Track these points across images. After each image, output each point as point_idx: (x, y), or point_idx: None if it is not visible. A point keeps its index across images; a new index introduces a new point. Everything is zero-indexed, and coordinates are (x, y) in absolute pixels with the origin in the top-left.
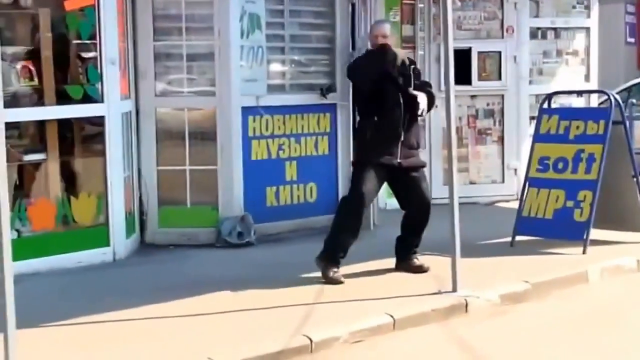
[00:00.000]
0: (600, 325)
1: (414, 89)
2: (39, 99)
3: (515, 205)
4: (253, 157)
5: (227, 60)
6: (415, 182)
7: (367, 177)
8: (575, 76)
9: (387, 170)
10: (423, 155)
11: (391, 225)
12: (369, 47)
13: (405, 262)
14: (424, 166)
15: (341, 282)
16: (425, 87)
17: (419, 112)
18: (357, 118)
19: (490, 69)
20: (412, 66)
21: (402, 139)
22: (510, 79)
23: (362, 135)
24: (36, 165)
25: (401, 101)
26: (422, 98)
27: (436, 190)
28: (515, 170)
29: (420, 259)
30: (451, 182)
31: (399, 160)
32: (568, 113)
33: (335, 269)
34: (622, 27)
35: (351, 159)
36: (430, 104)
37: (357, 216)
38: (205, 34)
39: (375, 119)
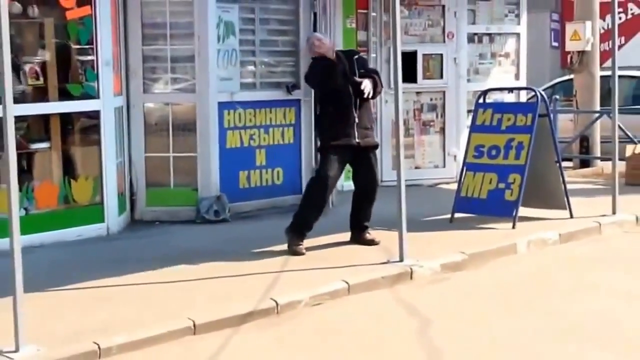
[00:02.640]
0: (528, 288)
1: (360, 77)
2: (43, 96)
3: (454, 187)
4: (228, 146)
5: (205, 62)
6: (370, 161)
7: (331, 160)
8: (507, 75)
9: (348, 151)
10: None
11: (348, 205)
12: (311, 55)
13: (358, 236)
14: (376, 146)
15: (303, 254)
16: (370, 73)
17: (365, 95)
18: (318, 110)
19: (433, 69)
20: (355, 57)
21: (356, 121)
22: (450, 78)
23: (323, 124)
24: (41, 152)
25: (350, 90)
26: (365, 83)
27: (386, 174)
28: (455, 156)
29: (372, 234)
30: (398, 166)
31: (357, 140)
32: (500, 107)
33: (300, 242)
34: (547, 33)
35: (314, 147)
36: (375, 86)
37: (321, 196)
38: (187, 39)
39: (331, 108)
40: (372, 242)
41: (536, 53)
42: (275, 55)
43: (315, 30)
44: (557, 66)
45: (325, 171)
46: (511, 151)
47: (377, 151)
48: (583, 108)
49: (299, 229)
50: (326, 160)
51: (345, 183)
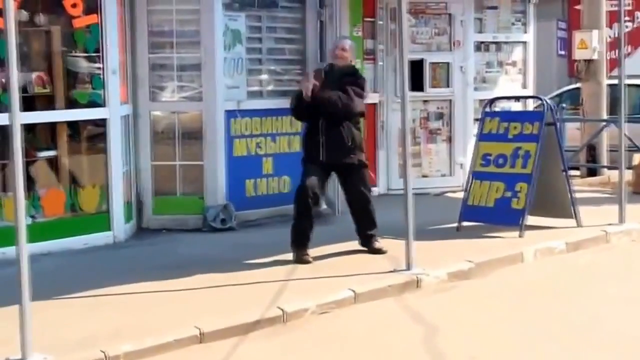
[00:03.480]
0: (534, 297)
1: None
2: (50, 104)
3: (461, 195)
4: (234, 154)
5: (212, 70)
6: (351, 179)
7: (308, 171)
8: (514, 84)
9: (322, 166)
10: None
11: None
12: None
13: (365, 243)
14: (354, 164)
15: (309, 262)
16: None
17: (304, 94)
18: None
19: (440, 78)
20: (351, 77)
21: (321, 140)
22: (457, 86)
23: (304, 139)
24: (48, 160)
25: (315, 111)
26: (304, 84)
27: (393, 183)
28: (462, 165)
29: (379, 242)
30: (405, 175)
31: (322, 159)
32: (507, 116)
33: (304, 252)
34: (554, 41)
35: None
36: (326, 100)
37: (303, 204)
38: (194, 48)
39: (310, 122)
40: (379, 251)
41: (543, 61)
42: (282, 63)
43: (322, 39)
44: (564, 75)
45: (303, 181)
46: (518, 160)
47: (384, 160)
48: (590, 117)
49: (297, 239)
50: (304, 171)
51: None
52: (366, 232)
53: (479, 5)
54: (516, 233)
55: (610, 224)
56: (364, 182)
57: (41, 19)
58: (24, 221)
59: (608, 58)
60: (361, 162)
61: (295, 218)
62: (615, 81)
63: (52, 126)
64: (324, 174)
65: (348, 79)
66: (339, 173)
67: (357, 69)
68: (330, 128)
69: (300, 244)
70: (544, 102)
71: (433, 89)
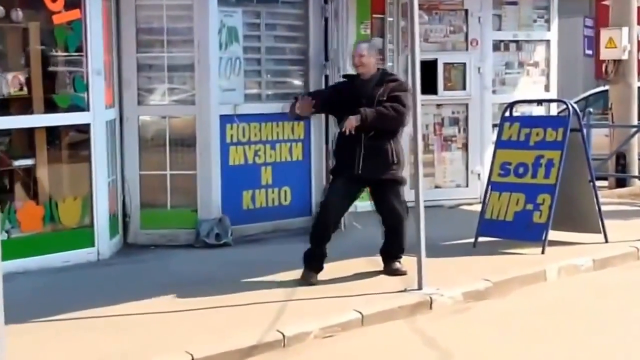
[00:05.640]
0: (557, 320)
1: (379, 104)
2: (28, 108)
3: (478, 208)
4: (230, 163)
5: (206, 71)
6: (384, 196)
7: (336, 189)
8: (536, 86)
9: (353, 180)
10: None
11: (362, 227)
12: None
13: (385, 264)
14: (394, 180)
15: (311, 284)
16: (384, 103)
17: (342, 129)
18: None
19: (455, 80)
20: (389, 83)
21: (362, 152)
22: (474, 89)
23: (336, 147)
24: (25, 170)
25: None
26: (352, 117)
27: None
28: (479, 175)
29: (401, 263)
30: (417, 186)
31: (359, 172)
32: (528, 121)
33: (311, 275)
34: (580, 39)
35: (324, 164)
36: (379, 120)
37: (321, 221)
38: (186, 46)
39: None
40: (397, 272)
41: (568, 62)
42: (282, 63)
43: (326, 37)
44: (590, 76)
45: (327, 201)
46: (540, 169)
47: None
48: (619, 122)
49: (306, 260)
50: (331, 188)
51: (360, 204)
52: (393, 253)
53: (498, 1)
54: (538, 249)
55: None
56: (399, 200)
57: (18, 14)
58: None
59: (639, 58)
60: (402, 178)
61: (312, 242)
62: None
63: (29, 132)
64: (355, 189)
65: (393, 85)
66: (374, 188)
67: (396, 74)
68: (372, 140)
69: (308, 265)
70: (569, 106)
71: (447, 92)
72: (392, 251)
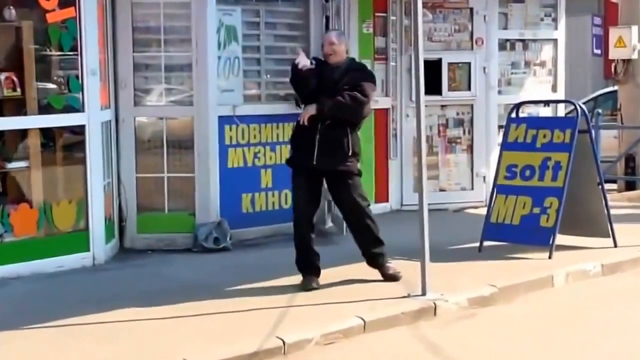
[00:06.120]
0: (565, 326)
1: (338, 93)
2: (21, 109)
3: (483, 211)
4: (229, 165)
5: (204, 71)
6: (343, 188)
7: (299, 191)
8: (543, 86)
9: (312, 173)
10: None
11: None
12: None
13: (377, 268)
14: (350, 172)
15: (313, 289)
16: (343, 93)
17: (299, 119)
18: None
19: (460, 80)
20: (355, 72)
21: (317, 143)
22: (479, 89)
23: (293, 136)
24: (19, 172)
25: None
26: (309, 107)
27: (407, 197)
28: (484, 177)
29: (393, 266)
30: (421, 188)
31: (313, 163)
32: (535, 122)
33: (310, 280)
34: (589, 38)
35: None
36: (337, 110)
37: (298, 234)
38: (183, 46)
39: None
40: (393, 278)
41: (576, 62)
42: (282, 63)
43: None
44: (599, 76)
45: (296, 207)
46: (547, 172)
47: (396, 172)
48: (629, 123)
49: (301, 267)
50: (295, 192)
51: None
52: (371, 250)
53: None
54: (545, 254)
55: None
56: (360, 193)
57: (11, 13)
58: None
59: None
60: (358, 170)
61: (296, 250)
62: None
63: (23, 133)
64: (316, 184)
65: (357, 74)
66: (330, 181)
67: (364, 64)
68: (328, 130)
69: (303, 272)
70: (577, 107)
71: (452, 93)
72: (370, 245)
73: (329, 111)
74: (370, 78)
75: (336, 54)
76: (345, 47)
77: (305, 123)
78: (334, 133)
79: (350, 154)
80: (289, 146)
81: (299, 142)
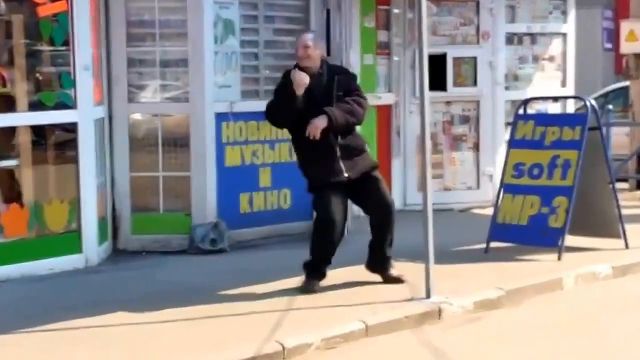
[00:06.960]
0: (574, 331)
1: (337, 101)
2: (11, 106)
3: (490, 211)
4: (227, 164)
5: (200, 66)
6: (372, 185)
7: (328, 199)
8: (552, 82)
9: (343, 185)
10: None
11: (365, 232)
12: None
13: (381, 272)
14: (374, 167)
15: (314, 291)
16: (349, 98)
17: (306, 134)
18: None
19: (466, 75)
20: (337, 76)
21: (338, 153)
22: (485, 85)
23: (304, 163)
24: (8, 171)
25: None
26: (316, 120)
27: (410, 197)
28: (491, 176)
29: (396, 269)
30: (425, 188)
31: (346, 175)
32: (544, 119)
33: (312, 283)
34: (599, 32)
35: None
36: (349, 118)
37: (328, 240)
38: (179, 40)
39: (307, 142)
40: (397, 280)
41: (586, 56)
42: (281, 58)
43: (328, 30)
44: (610, 71)
45: (327, 213)
46: (556, 170)
47: (400, 170)
48: None
49: (309, 271)
50: (323, 200)
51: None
52: (384, 251)
53: None
54: (554, 255)
55: None
56: (384, 185)
57: (1, 6)
58: None
59: None
60: (376, 163)
61: (312, 250)
62: None
63: (13, 131)
64: (345, 195)
65: (343, 78)
66: (358, 184)
67: (343, 66)
68: (342, 138)
69: (311, 275)
70: (587, 103)
71: (457, 89)
72: (384, 248)
73: (341, 121)
74: (355, 79)
75: (310, 58)
76: (320, 51)
77: (317, 137)
78: (348, 140)
79: (367, 150)
80: (288, 144)
81: (316, 158)
